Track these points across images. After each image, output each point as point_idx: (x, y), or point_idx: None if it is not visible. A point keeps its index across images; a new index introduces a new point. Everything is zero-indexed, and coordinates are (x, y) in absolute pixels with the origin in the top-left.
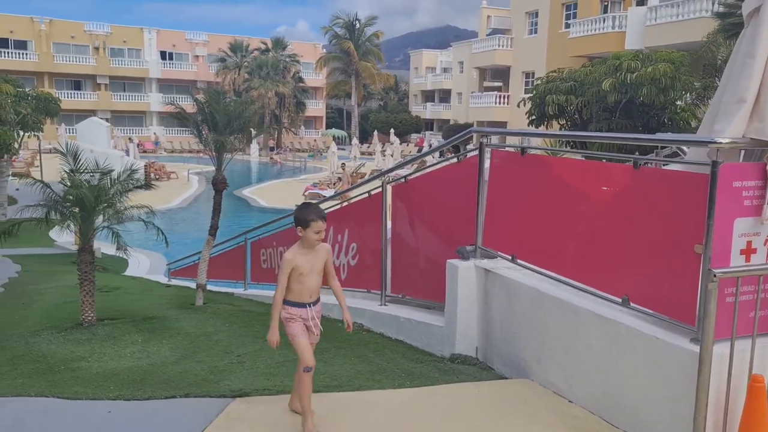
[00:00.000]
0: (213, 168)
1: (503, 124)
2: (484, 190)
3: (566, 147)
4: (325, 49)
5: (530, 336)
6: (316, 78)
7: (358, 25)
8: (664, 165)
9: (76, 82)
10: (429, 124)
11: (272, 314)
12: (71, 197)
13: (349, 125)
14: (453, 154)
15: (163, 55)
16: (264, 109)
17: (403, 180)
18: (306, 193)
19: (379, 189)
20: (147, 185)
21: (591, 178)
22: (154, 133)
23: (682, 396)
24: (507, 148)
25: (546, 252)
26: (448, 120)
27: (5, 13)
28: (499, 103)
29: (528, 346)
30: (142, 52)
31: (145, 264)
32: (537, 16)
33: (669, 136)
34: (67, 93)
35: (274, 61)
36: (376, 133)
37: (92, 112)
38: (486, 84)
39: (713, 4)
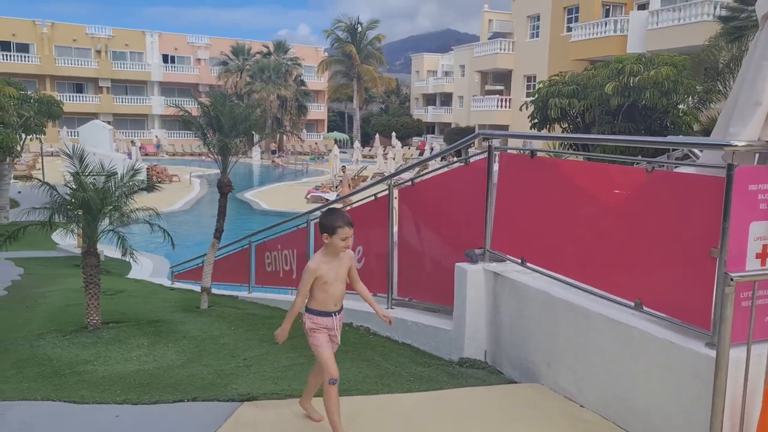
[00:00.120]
0: (215, 171)
1: (505, 128)
2: (493, 194)
3: (569, 150)
4: (326, 53)
5: (540, 340)
6: (317, 81)
7: (360, 29)
8: (675, 168)
9: (78, 85)
10: (430, 128)
11: (287, 315)
12: (77, 200)
13: (350, 128)
14: (456, 159)
15: (165, 58)
16: (266, 113)
17: (409, 183)
18: (308, 196)
19: (386, 192)
20: (151, 187)
21: (603, 181)
22: (156, 136)
23: (697, 400)
24: (516, 151)
25: (556, 255)
26: (450, 123)
27: (7, 16)
28: (501, 106)
29: (538, 349)
30: (144, 56)
31: (148, 267)
32: (539, 20)
33: (683, 138)
34: (69, 96)
35: (276, 64)
36: (377, 136)
37: (94, 115)
38: (487, 87)
39: (715, 7)
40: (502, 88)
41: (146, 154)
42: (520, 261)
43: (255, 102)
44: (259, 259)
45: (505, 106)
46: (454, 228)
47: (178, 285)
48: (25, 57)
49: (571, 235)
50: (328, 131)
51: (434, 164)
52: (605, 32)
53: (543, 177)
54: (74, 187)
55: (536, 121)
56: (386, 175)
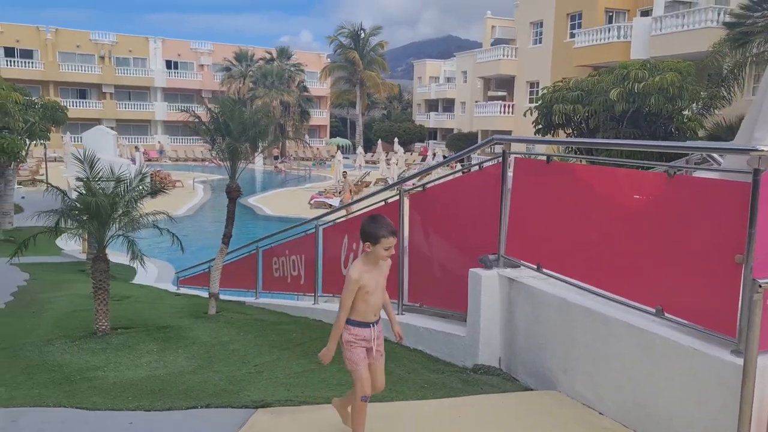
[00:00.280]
0: (218, 177)
1: (508, 133)
2: (507, 199)
3: (572, 153)
4: (329, 59)
5: (557, 346)
6: (320, 87)
7: (363, 35)
8: (693, 172)
9: (82, 91)
10: (432, 133)
11: (332, 334)
12: (87, 205)
13: (353, 134)
14: (461, 165)
15: (168, 64)
16: (271, 119)
17: (421, 188)
18: (312, 202)
19: (395, 197)
20: (160, 191)
21: (622, 186)
22: (159, 142)
23: (723, 408)
24: (532, 157)
25: (574, 261)
26: (452, 129)
27: (11, 22)
28: (504, 112)
29: (554, 356)
30: (148, 62)
31: (152, 272)
32: (542, 26)
33: (706, 143)
34: (73, 102)
35: (278, 70)
36: (380, 142)
37: (97, 121)
38: (490, 93)
39: (719, 14)
40: (504, 94)
41: (149, 160)
42: (535, 267)
43: (263, 108)
44: (266, 265)
45: (508, 112)
46: (467, 233)
47: (183, 290)
48: (29, 63)
49: (590, 241)
50: (330, 137)
51: (439, 171)
52: (608, 38)
53: (560, 182)
54: (84, 192)
55: (540, 126)
56: (389, 180)
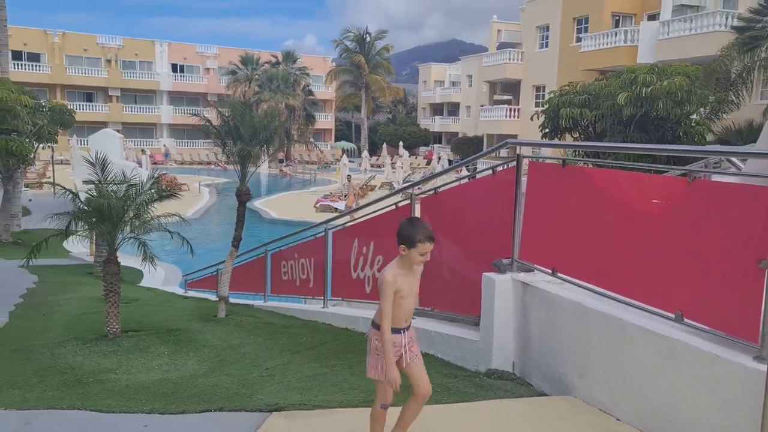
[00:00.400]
0: (223, 180)
1: (514, 137)
2: (521, 203)
3: (581, 157)
4: (334, 63)
5: (572, 351)
6: (325, 91)
7: (368, 39)
8: (709, 176)
9: (88, 94)
10: (437, 137)
11: (386, 348)
12: (99, 207)
13: (357, 138)
14: (467, 172)
15: (174, 67)
16: (279, 122)
17: (432, 192)
18: (317, 205)
19: (407, 201)
20: (170, 195)
21: (640, 190)
22: (164, 145)
23: (746, 415)
24: (547, 161)
25: (590, 266)
26: (457, 133)
27: (19, 25)
28: (510, 116)
29: (570, 361)
30: (154, 65)
31: (159, 275)
32: (548, 30)
33: (728, 148)
34: (79, 105)
35: (284, 74)
36: (385, 145)
37: (103, 124)
38: (496, 97)
39: (727, 18)
40: (510, 97)
41: (155, 163)
42: (550, 271)
43: (273, 111)
44: (274, 268)
45: (514, 116)
46: (479, 237)
47: (191, 293)
48: (36, 66)
49: (606, 246)
50: (335, 140)
51: (444, 176)
52: (615, 42)
53: (576, 186)
54: (95, 194)
55: (547, 130)
56: (394, 183)
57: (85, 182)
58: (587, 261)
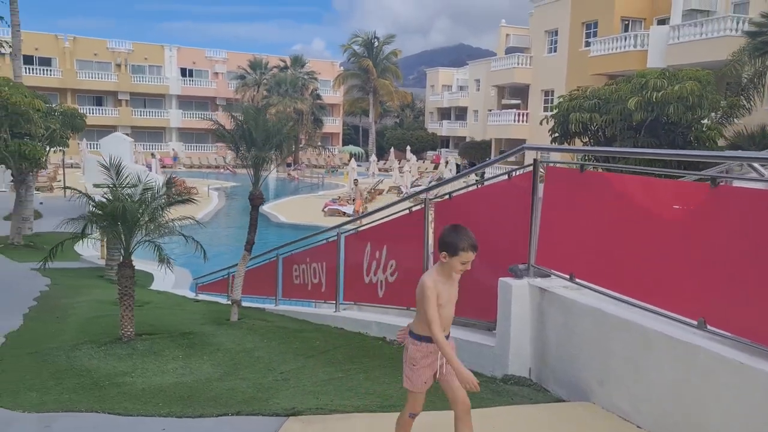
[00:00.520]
0: (232, 184)
1: (522, 142)
2: (538, 208)
3: (585, 161)
4: (342, 67)
5: (591, 357)
6: (333, 95)
7: (376, 44)
8: (730, 182)
9: (98, 98)
10: (445, 142)
11: (449, 354)
12: (115, 211)
13: (365, 142)
14: (475, 177)
15: (183, 72)
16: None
17: (447, 197)
18: (325, 209)
19: (420, 205)
20: (186, 200)
21: (661, 196)
22: (173, 149)
23: None
24: (560, 165)
25: (610, 272)
26: (464, 137)
27: (31, 30)
28: (518, 120)
29: (588, 367)
30: (163, 69)
31: (170, 278)
32: (557, 35)
33: (755, 153)
34: (89, 109)
35: (292, 78)
36: (392, 149)
37: (113, 128)
38: (504, 102)
39: (737, 22)
40: (518, 102)
41: (163, 167)
42: (568, 277)
43: (286, 115)
44: (286, 272)
45: (522, 120)
46: (494, 243)
47: (202, 297)
48: (47, 71)
49: (626, 252)
50: (342, 145)
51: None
52: (625, 47)
53: (595, 191)
54: (110, 198)
55: (557, 135)
56: (402, 188)
57: (96, 186)
58: (606, 267)
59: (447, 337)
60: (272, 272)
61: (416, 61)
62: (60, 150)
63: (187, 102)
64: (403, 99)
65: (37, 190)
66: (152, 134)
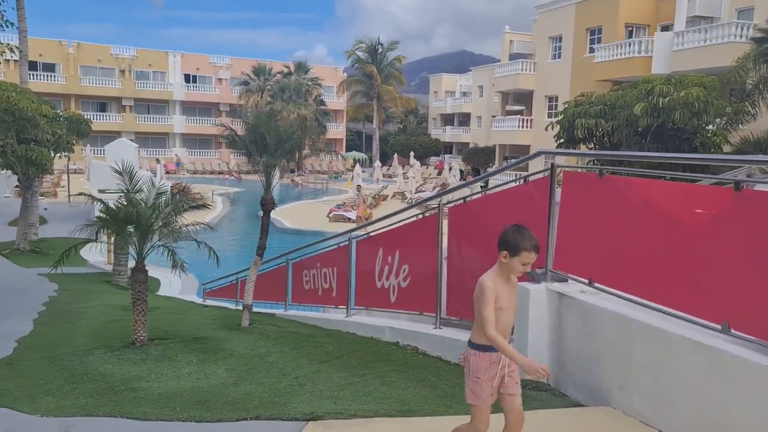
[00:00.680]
0: (235, 189)
1: (526, 148)
2: (555, 212)
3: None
4: (345, 73)
5: (611, 362)
6: (336, 101)
7: (380, 50)
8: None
9: (102, 104)
10: (448, 147)
11: (510, 353)
12: (128, 216)
13: (368, 148)
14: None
15: (187, 78)
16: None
17: (461, 201)
18: (330, 215)
19: (434, 210)
20: (200, 205)
21: (683, 200)
22: (176, 155)
23: None
24: (583, 170)
25: (630, 276)
26: (468, 143)
27: (35, 36)
28: (522, 126)
29: (609, 372)
30: (167, 75)
31: (177, 284)
32: (561, 41)
33: None
34: (93, 115)
35: (296, 84)
36: (396, 155)
37: (117, 134)
38: (508, 108)
39: (741, 29)
40: (522, 108)
41: (167, 172)
42: (587, 281)
43: (296, 120)
44: (296, 277)
45: (527, 126)
46: None
47: (210, 302)
48: (51, 76)
49: (647, 256)
50: (346, 150)
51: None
52: (629, 53)
53: (614, 196)
54: (125, 202)
55: (562, 140)
56: (406, 193)
57: (101, 191)
58: (627, 271)
59: (509, 343)
60: (282, 277)
61: (418, 68)
62: (65, 155)
63: (190, 108)
64: (407, 105)
65: (41, 196)
66: (156, 140)
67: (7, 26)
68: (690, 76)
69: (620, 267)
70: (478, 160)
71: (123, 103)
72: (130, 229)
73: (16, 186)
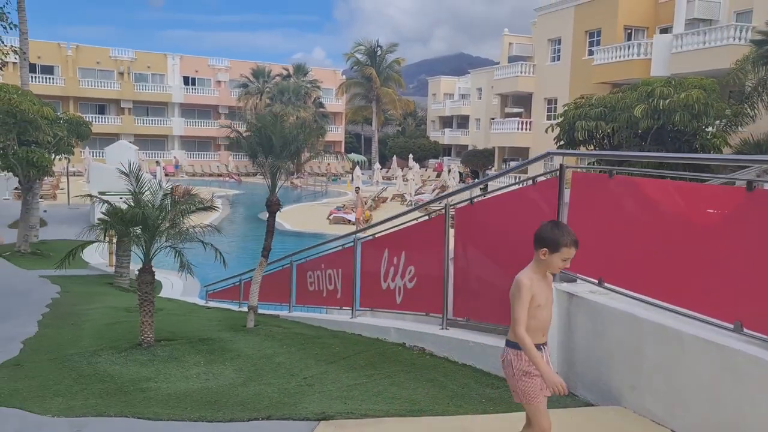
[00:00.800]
0: (234, 192)
1: (525, 150)
2: (564, 213)
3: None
4: (344, 76)
5: (622, 361)
6: (335, 103)
7: (379, 52)
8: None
9: (101, 106)
10: (447, 150)
11: (534, 359)
12: (134, 217)
13: (367, 150)
14: (480, 190)
15: (185, 80)
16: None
17: (468, 202)
18: (330, 217)
19: (440, 211)
20: (209, 207)
21: (694, 200)
22: (174, 157)
23: None
24: (592, 171)
25: (640, 276)
26: (467, 146)
27: (33, 39)
28: (522, 129)
29: (619, 372)
30: (166, 78)
31: (178, 286)
32: (560, 43)
33: None
34: (92, 117)
35: (295, 86)
36: (395, 158)
37: (116, 136)
38: (507, 110)
39: (740, 31)
40: (521, 110)
41: (166, 175)
42: (596, 281)
43: (302, 121)
44: (300, 279)
45: (526, 129)
46: (516, 248)
47: (212, 304)
48: (50, 79)
49: (658, 256)
50: (345, 153)
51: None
52: (628, 56)
53: (625, 196)
54: (132, 204)
55: (562, 143)
56: (406, 195)
57: (101, 193)
58: (637, 271)
59: (544, 344)
60: (285, 279)
61: (416, 70)
62: (65, 158)
63: (189, 110)
64: (406, 107)
65: (41, 198)
66: (155, 142)
67: (11, 28)
68: (690, 78)
69: (630, 267)
70: (477, 162)
71: (122, 106)
72: (138, 230)
73: (15, 188)
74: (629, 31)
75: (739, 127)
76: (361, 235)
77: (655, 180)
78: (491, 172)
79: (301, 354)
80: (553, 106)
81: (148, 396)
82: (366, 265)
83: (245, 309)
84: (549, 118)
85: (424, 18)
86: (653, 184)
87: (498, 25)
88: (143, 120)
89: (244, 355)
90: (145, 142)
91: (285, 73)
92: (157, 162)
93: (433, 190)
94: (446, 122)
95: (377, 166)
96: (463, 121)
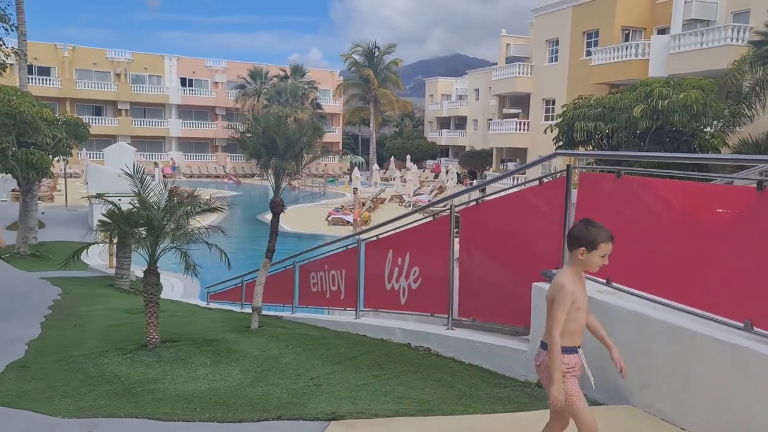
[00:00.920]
0: (232, 193)
1: (523, 151)
2: (572, 213)
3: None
4: (341, 77)
5: (631, 361)
6: (333, 104)
7: (377, 53)
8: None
9: (98, 108)
10: (445, 151)
11: (554, 363)
12: (139, 218)
13: (365, 151)
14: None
15: (183, 81)
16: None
17: (474, 203)
18: (329, 218)
19: (446, 212)
20: (214, 208)
21: (704, 200)
22: (171, 158)
23: None
24: (598, 171)
25: (649, 276)
26: (464, 146)
27: (30, 40)
28: (520, 129)
29: (628, 371)
30: (163, 79)
31: (179, 288)
32: (557, 44)
33: None
34: (89, 118)
35: (292, 87)
36: (392, 159)
37: (113, 138)
38: (504, 111)
39: (738, 32)
40: (519, 111)
41: (163, 176)
42: (604, 281)
43: (304, 123)
44: (303, 280)
45: (524, 129)
46: (522, 248)
47: (214, 305)
48: (46, 80)
49: (668, 256)
50: (342, 154)
51: (449, 189)
52: (626, 56)
53: (633, 196)
54: (137, 205)
55: (561, 143)
56: (404, 196)
57: (100, 195)
58: (645, 271)
59: (579, 347)
60: (288, 280)
61: (413, 71)
62: (63, 159)
63: (186, 111)
64: (403, 108)
65: (39, 200)
66: (152, 144)
67: (11, 30)
68: (689, 78)
69: (638, 267)
70: (475, 163)
71: (119, 107)
72: (143, 232)
73: (13, 189)
74: (627, 31)
75: (737, 128)
76: (364, 236)
77: (662, 180)
78: (489, 173)
79: (307, 355)
80: (551, 106)
81: (156, 397)
82: (370, 266)
83: (248, 310)
84: (547, 118)
85: (420, 19)
86: (661, 184)
87: (494, 27)
88: (140, 121)
89: (250, 356)
90: (142, 143)
91: (282, 74)
92: (155, 164)
93: (431, 191)
94: (444, 123)
95: (375, 167)
96: (460, 122)
